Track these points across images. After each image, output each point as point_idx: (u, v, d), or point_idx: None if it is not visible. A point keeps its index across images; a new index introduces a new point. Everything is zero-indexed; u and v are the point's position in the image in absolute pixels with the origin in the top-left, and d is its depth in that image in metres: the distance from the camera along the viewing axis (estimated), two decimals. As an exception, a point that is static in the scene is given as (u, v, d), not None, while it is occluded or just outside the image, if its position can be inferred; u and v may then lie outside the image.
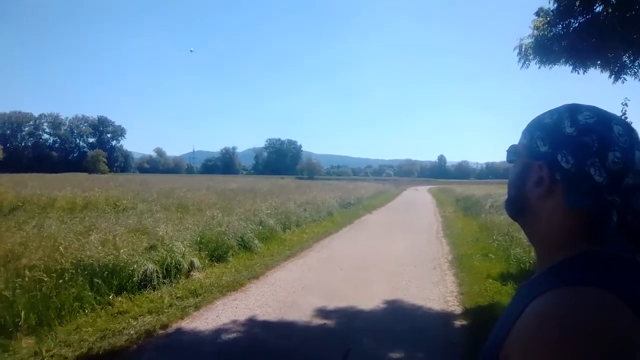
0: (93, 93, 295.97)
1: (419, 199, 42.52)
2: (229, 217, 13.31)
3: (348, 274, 9.70)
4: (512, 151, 1.07)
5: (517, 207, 1.04)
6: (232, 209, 15.95)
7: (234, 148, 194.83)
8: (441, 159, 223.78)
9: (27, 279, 6.52)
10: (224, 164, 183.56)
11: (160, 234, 9.57)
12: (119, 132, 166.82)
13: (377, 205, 31.05)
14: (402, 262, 10.96)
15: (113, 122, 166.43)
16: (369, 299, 7.66)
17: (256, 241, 12.06)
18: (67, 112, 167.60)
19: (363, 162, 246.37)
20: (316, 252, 12.58)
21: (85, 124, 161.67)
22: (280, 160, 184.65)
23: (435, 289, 8.54)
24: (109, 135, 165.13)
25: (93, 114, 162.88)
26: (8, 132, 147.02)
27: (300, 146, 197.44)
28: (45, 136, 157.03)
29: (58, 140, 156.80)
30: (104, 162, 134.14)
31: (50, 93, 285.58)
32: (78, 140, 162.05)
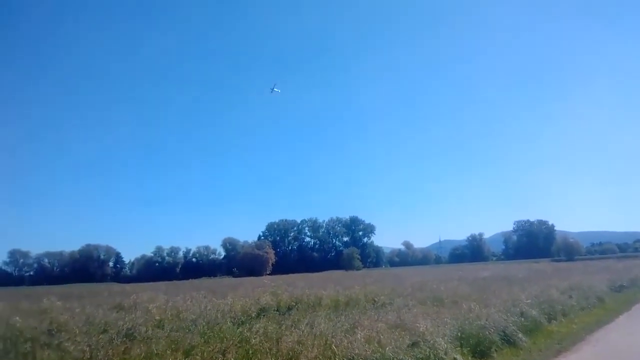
0: (344, 196, 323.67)
1: None
2: (486, 309, 12.89)
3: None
4: None
5: None
6: (488, 299, 15.40)
7: (480, 234, 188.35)
8: None
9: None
10: (471, 251, 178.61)
11: (421, 329, 9.74)
12: (369, 230, 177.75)
13: (660, 286, 26.40)
14: None
15: (363, 221, 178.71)
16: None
17: (520, 334, 11.36)
18: (323, 215, 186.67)
19: (630, 237, 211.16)
20: (591, 346, 11.24)
21: (339, 225, 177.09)
22: (532, 242, 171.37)
23: None
24: (360, 233, 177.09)
25: (345, 215, 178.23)
26: (278, 238, 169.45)
27: (553, 226, 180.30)
28: (307, 239, 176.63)
29: (317, 241, 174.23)
30: (357, 258, 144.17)
31: (309, 200, 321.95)
32: (334, 240, 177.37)
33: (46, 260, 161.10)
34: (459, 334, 10.23)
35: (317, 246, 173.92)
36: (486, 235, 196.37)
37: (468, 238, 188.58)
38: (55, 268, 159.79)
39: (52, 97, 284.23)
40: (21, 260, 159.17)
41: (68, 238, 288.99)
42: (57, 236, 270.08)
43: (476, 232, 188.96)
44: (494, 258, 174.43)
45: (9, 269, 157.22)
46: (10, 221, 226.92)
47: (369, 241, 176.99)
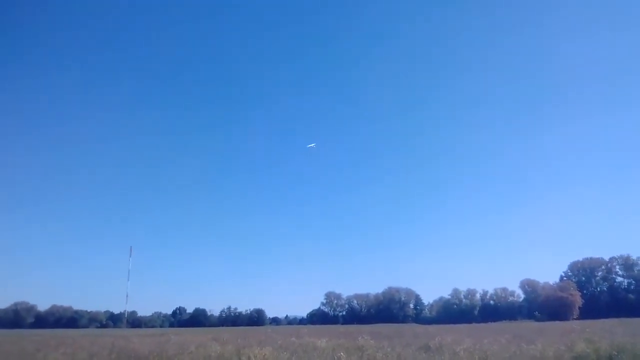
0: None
1: None
2: None
3: None
4: None
5: None
6: None
7: None
8: None
9: None
10: None
11: None
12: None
13: None
14: None
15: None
16: None
17: None
18: (638, 251, 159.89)
19: None
20: None
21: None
22: None
23: None
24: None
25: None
26: (583, 278, 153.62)
27: None
28: (619, 279, 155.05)
29: (632, 281, 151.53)
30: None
31: (618, 233, 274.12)
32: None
33: (355, 301, 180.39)
34: None
35: (632, 287, 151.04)
36: None
37: None
38: (362, 309, 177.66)
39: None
40: (335, 301, 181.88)
41: (373, 281, 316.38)
42: (364, 280, 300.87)
43: None
44: None
45: (326, 309, 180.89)
46: (326, 268, 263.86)
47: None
